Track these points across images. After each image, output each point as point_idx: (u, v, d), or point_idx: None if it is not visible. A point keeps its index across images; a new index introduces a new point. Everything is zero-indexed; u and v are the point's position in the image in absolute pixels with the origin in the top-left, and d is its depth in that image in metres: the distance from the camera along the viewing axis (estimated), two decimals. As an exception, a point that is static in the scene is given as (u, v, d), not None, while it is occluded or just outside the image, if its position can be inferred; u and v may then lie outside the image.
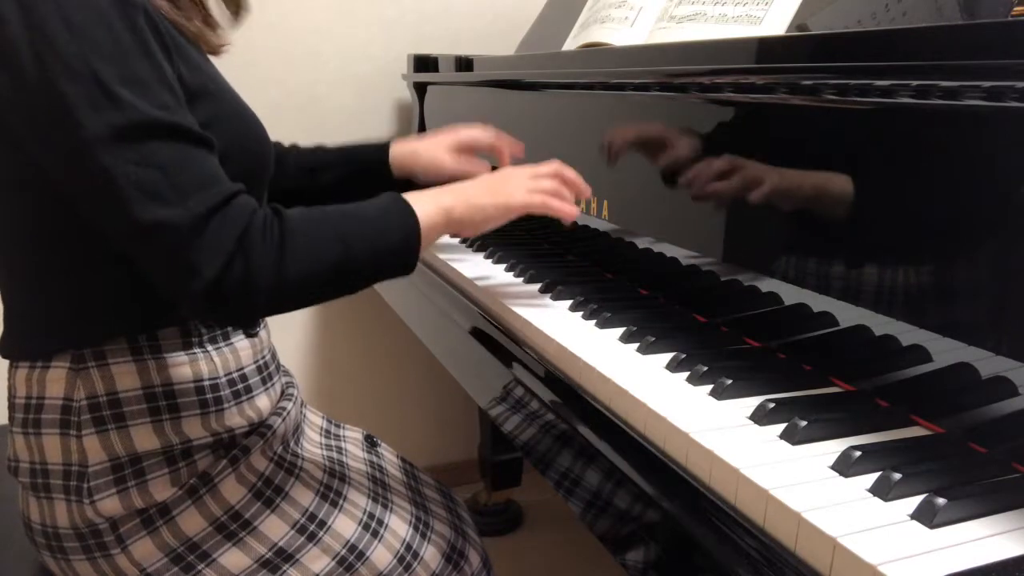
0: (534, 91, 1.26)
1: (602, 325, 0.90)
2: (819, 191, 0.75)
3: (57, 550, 0.78)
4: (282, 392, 0.91)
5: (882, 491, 0.55)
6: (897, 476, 0.55)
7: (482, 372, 1.01)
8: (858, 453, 0.58)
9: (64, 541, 0.77)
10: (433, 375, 1.99)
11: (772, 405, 0.66)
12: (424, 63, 1.71)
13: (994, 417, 0.61)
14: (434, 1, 1.85)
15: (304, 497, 0.85)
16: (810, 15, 0.93)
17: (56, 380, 0.76)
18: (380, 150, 1.12)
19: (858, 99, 0.68)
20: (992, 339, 0.59)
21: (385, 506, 0.91)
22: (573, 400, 0.79)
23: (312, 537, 0.84)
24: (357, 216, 0.77)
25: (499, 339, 0.96)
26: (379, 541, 0.87)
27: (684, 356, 0.77)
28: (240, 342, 0.84)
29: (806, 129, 0.76)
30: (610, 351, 0.82)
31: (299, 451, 0.88)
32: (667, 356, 0.79)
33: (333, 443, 0.96)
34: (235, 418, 0.82)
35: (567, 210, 0.90)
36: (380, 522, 0.89)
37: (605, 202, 1.07)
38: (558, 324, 0.90)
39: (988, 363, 0.61)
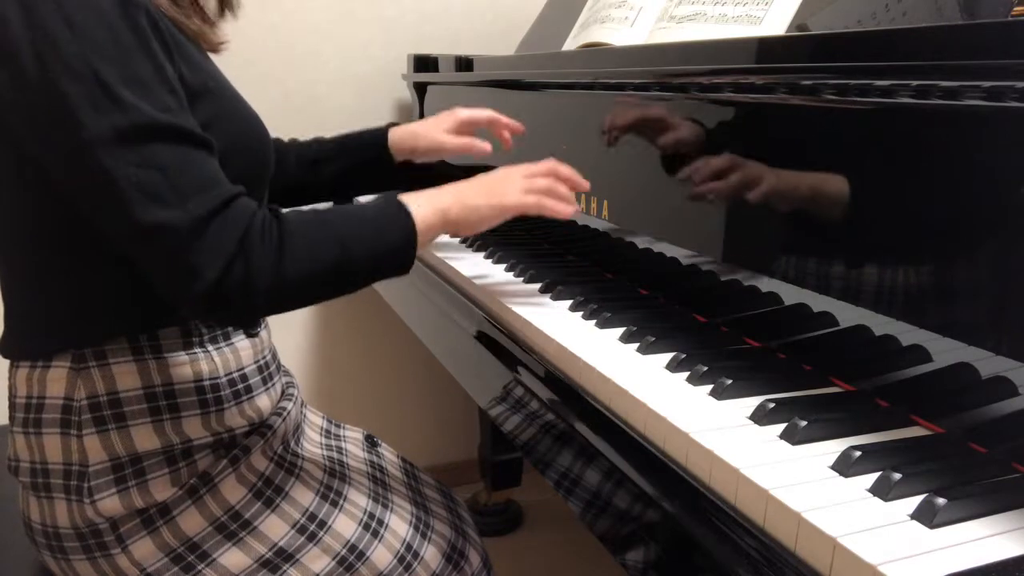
0: (534, 91, 1.26)
1: (602, 325, 0.89)
2: (819, 191, 0.75)
3: (57, 550, 0.78)
4: (282, 392, 0.91)
5: (882, 491, 0.55)
6: (897, 476, 0.55)
7: (482, 372, 1.01)
8: (858, 453, 0.58)
9: (64, 541, 0.77)
10: (433, 375, 1.99)
11: (772, 405, 0.66)
12: (424, 63, 1.72)
13: (994, 417, 0.61)
14: (434, 1, 1.85)
15: (304, 497, 0.85)
16: (810, 15, 0.93)
17: (57, 380, 0.76)
18: (379, 135, 1.13)
19: (858, 99, 0.68)
20: (992, 339, 0.59)
21: (385, 506, 0.91)
22: (573, 400, 0.79)
23: (312, 537, 0.84)
24: (355, 217, 0.78)
25: (499, 339, 0.96)
26: (379, 541, 0.87)
27: (684, 356, 0.77)
28: (241, 342, 0.84)
29: (806, 129, 0.76)
30: (610, 351, 0.82)
31: (299, 451, 0.88)
32: (667, 356, 0.79)
33: (333, 443, 0.96)
34: (235, 418, 0.82)
35: (562, 210, 0.90)
36: (380, 522, 0.89)
37: (605, 202, 1.07)
38: (558, 324, 0.90)
39: (988, 363, 0.61)
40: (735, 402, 0.70)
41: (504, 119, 1.13)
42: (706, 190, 0.87)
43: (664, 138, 0.96)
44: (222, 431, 0.81)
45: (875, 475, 0.57)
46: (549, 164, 0.94)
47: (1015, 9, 0.70)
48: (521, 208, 0.88)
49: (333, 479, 0.89)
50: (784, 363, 0.80)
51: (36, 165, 0.69)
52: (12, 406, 0.79)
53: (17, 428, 0.78)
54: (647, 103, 0.98)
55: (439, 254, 1.24)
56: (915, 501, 0.54)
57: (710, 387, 0.72)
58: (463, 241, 1.33)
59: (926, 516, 0.52)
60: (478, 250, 1.27)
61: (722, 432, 0.64)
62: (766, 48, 0.79)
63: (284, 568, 0.82)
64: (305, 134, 1.79)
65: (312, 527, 0.84)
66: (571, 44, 1.35)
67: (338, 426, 1.01)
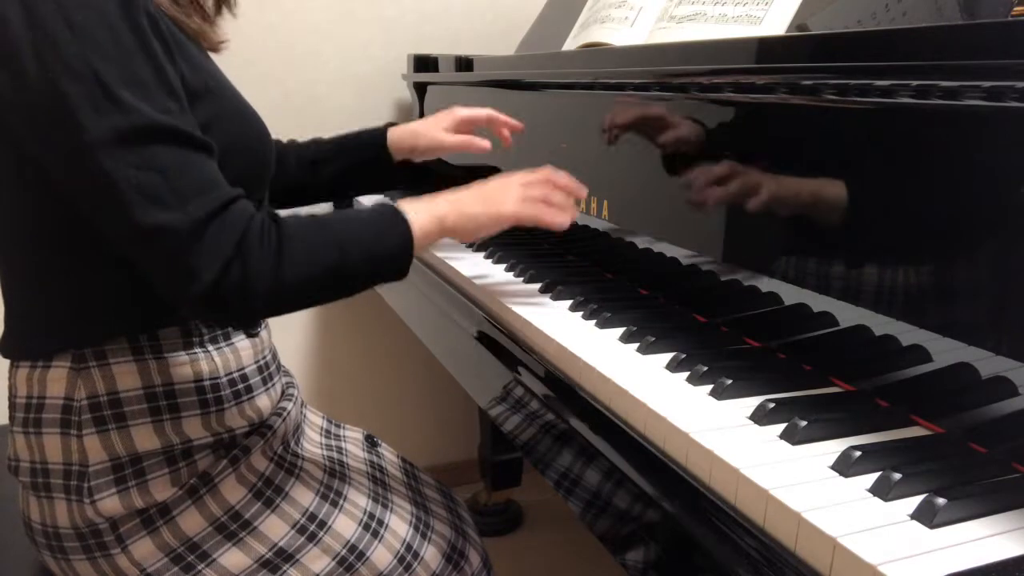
0: (534, 91, 1.26)
1: (602, 325, 0.89)
2: (819, 191, 0.75)
3: (57, 550, 0.78)
4: (282, 392, 0.91)
5: (882, 491, 0.55)
6: (897, 476, 0.55)
7: (482, 372, 1.01)
8: (858, 453, 0.58)
9: (64, 541, 0.77)
10: (433, 375, 1.99)
11: (772, 405, 0.66)
12: (424, 63, 1.72)
13: (994, 417, 0.61)
14: (434, 1, 1.85)
15: (304, 497, 0.85)
16: (810, 15, 0.93)
17: (57, 380, 0.76)
18: (378, 135, 1.13)
19: (858, 99, 0.68)
20: (992, 339, 0.59)
21: (385, 506, 0.91)
22: (573, 400, 0.79)
23: (312, 537, 0.84)
24: (353, 223, 0.78)
25: (499, 339, 0.96)
26: (379, 541, 0.87)
27: (684, 356, 0.77)
28: (241, 342, 0.84)
29: (806, 129, 0.76)
30: (610, 351, 0.82)
31: (299, 451, 0.88)
32: (667, 356, 0.79)
33: (333, 443, 0.96)
34: (235, 418, 0.82)
35: (558, 221, 0.91)
36: (380, 522, 0.89)
37: (605, 202, 1.07)
38: (558, 324, 0.90)
39: (988, 363, 0.61)
40: (735, 402, 0.70)
41: (503, 117, 1.13)
42: (706, 194, 0.87)
43: (664, 138, 0.96)
44: (222, 431, 0.81)
45: (875, 475, 0.57)
46: (546, 172, 0.94)
47: (1015, 9, 0.70)
48: (517, 218, 0.89)
49: (333, 479, 0.89)
50: (784, 363, 0.80)
51: (36, 165, 0.69)
52: (12, 406, 0.79)
53: (17, 428, 0.78)
54: (647, 103, 0.98)
55: (439, 254, 1.24)
56: (915, 501, 0.54)
57: (710, 387, 0.72)
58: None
59: (926, 516, 0.52)
60: (478, 250, 1.27)
61: (722, 432, 0.64)
62: (766, 48, 0.79)
63: (284, 568, 0.82)
64: (305, 134, 1.79)
65: (312, 527, 0.84)
66: (571, 44, 1.35)
67: (338, 426, 1.01)
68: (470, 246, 1.30)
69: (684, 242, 0.94)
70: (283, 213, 0.81)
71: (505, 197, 0.89)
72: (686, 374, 0.75)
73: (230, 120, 0.78)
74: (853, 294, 0.70)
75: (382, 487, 0.94)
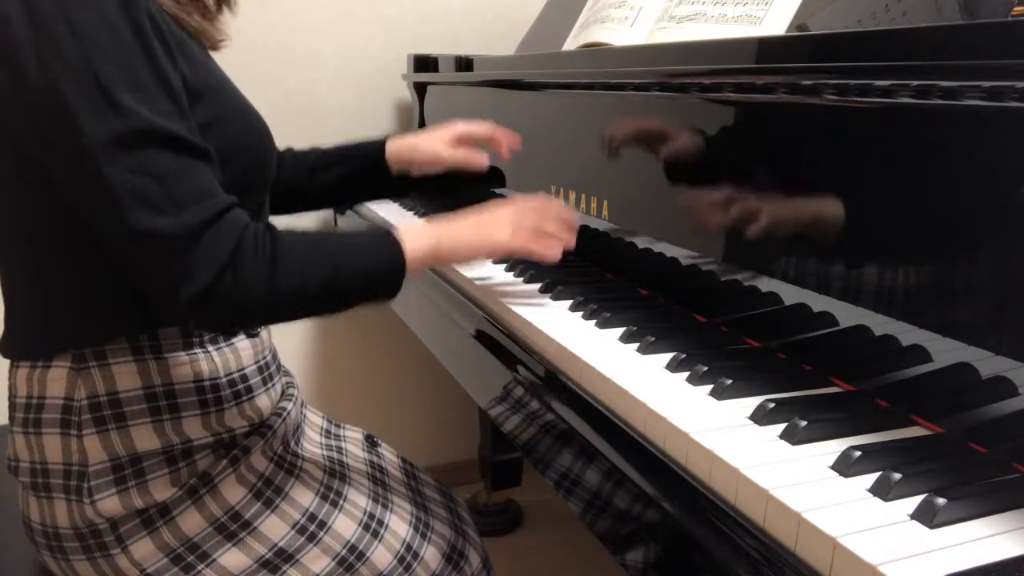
0: (534, 91, 1.26)
1: (602, 325, 0.89)
2: (819, 191, 0.75)
3: (57, 550, 0.78)
4: (282, 392, 0.91)
5: (882, 491, 0.55)
6: (897, 476, 0.55)
7: (482, 372, 1.01)
8: (858, 453, 0.58)
9: (64, 541, 0.77)
10: (433, 375, 1.99)
11: (772, 405, 0.66)
12: (424, 63, 1.71)
13: (994, 417, 0.61)
14: (434, 1, 1.85)
15: (304, 497, 0.85)
16: (810, 15, 0.93)
17: (57, 380, 0.76)
18: (377, 146, 1.13)
19: (858, 99, 0.68)
20: (992, 339, 0.59)
21: (385, 506, 0.91)
22: (573, 400, 0.79)
23: (312, 537, 0.84)
24: (347, 242, 0.80)
25: (499, 339, 0.96)
26: (379, 541, 0.87)
27: (684, 356, 0.77)
28: (241, 342, 0.84)
29: (806, 129, 0.76)
30: (610, 351, 0.82)
31: (299, 451, 0.88)
32: (667, 356, 0.79)
33: (333, 443, 0.96)
34: (235, 418, 0.82)
35: (548, 255, 0.92)
36: (380, 522, 0.89)
37: (605, 202, 1.07)
38: (558, 324, 0.90)
39: (988, 363, 0.61)
40: (735, 402, 0.70)
41: (502, 134, 1.13)
42: (707, 202, 0.87)
43: (663, 138, 0.96)
44: (222, 431, 0.81)
45: (875, 475, 0.57)
46: (540, 201, 0.95)
47: (1015, 9, 0.70)
48: (509, 249, 0.90)
49: (333, 479, 0.89)
50: (784, 363, 0.80)
51: (36, 165, 0.69)
52: (12, 406, 0.79)
53: (17, 428, 0.78)
54: (647, 103, 0.98)
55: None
56: (915, 501, 0.54)
57: (710, 387, 0.72)
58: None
59: (926, 516, 0.52)
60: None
61: (722, 432, 0.64)
62: (766, 48, 0.79)
63: (284, 568, 0.82)
64: (305, 134, 1.79)
65: (312, 527, 0.84)
66: (571, 44, 1.35)
67: (338, 426, 1.01)
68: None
69: (684, 242, 0.94)
70: (279, 221, 0.82)
71: (498, 227, 0.90)
72: (686, 374, 0.75)
73: (231, 119, 0.78)
74: (853, 294, 0.70)
75: (382, 487, 0.94)
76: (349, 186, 1.14)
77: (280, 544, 0.82)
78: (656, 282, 1.01)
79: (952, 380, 0.64)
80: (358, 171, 1.13)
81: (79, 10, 0.64)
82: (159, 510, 0.77)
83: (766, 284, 0.82)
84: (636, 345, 0.83)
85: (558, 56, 1.30)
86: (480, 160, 1.12)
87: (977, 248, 0.61)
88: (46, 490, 0.77)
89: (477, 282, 1.07)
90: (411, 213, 1.56)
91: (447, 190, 1.65)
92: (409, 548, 0.89)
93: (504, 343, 0.95)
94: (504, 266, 1.16)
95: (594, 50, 1.22)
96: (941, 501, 0.52)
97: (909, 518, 0.53)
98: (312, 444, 0.92)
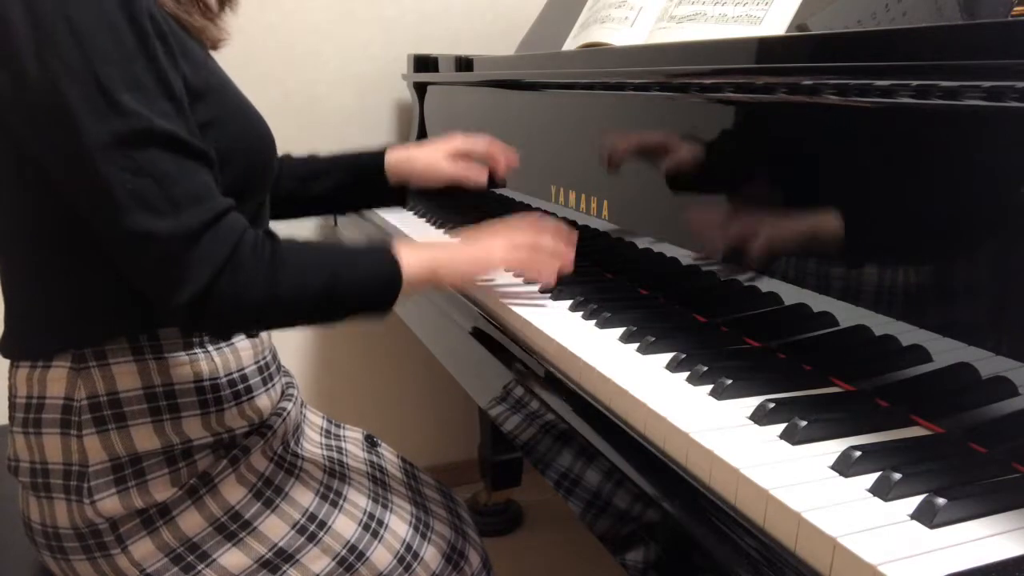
0: (534, 91, 1.26)
1: (602, 325, 0.89)
2: (819, 191, 0.75)
3: (57, 550, 0.78)
4: (282, 392, 0.91)
5: (882, 491, 0.55)
6: (897, 476, 0.55)
7: (482, 372, 1.01)
8: (858, 453, 0.58)
9: (64, 541, 0.77)
10: (433, 375, 1.99)
11: (772, 405, 0.66)
12: (424, 63, 1.71)
13: (994, 417, 0.61)
14: (434, 1, 1.85)
15: (304, 497, 0.85)
16: (810, 15, 0.93)
17: (57, 380, 0.76)
18: (376, 156, 1.12)
19: (858, 99, 0.68)
20: (992, 339, 0.59)
21: (385, 506, 0.91)
22: (573, 400, 0.79)
23: (312, 537, 0.84)
24: (346, 254, 0.80)
25: (499, 339, 0.96)
26: (379, 541, 0.87)
27: (684, 356, 0.77)
28: (241, 342, 0.84)
29: (806, 129, 0.76)
30: (610, 351, 0.82)
31: (299, 451, 0.88)
32: (667, 356, 0.79)
33: (333, 443, 0.96)
34: (235, 418, 0.82)
35: (544, 275, 0.94)
36: (380, 522, 0.89)
37: (605, 202, 1.07)
38: (558, 324, 0.90)
39: (988, 363, 0.61)
40: (735, 402, 0.70)
41: (501, 152, 1.13)
42: (707, 202, 0.87)
43: (663, 139, 0.96)
44: (222, 431, 0.81)
45: (875, 475, 0.57)
46: (535, 220, 0.95)
47: (1015, 9, 0.70)
48: (506, 268, 0.93)
49: (333, 479, 0.89)
50: (784, 363, 0.80)
51: (36, 165, 0.69)
52: (12, 406, 0.79)
53: (17, 428, 0.78)
54: (647, 103, 0.98)
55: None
56: (915, 501, 0.54)
57: (710, 387, 0.72)
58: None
59: (926, 516, 0.52)
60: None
61: (722, 432, 0.64)
62: (766, 48, 0.79)
63: (284, 568, 0.82)
64: (305, 134, 1.79)
65: (312, 527, 0.84)
66: (571, 44, 1.35)
67: (338, 426, 1.01)
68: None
69: (684, 242, 0.94)
70: (280, 227, 0.82)
71: (494, 247, 0.91)
72: (686, 374, 0.75)
73: (232, 119, 0.78)
74: (853, 294, 0.70)
75: (382, 487, 0.94)
76: (346, 194, 1.14)
77: (280, 544, 0.82)
78: (656, 282, 1.01)
79: (952, 380, 0.64)
80: (356, 180, 1.13)
81: (79, 10, 0.64)
82: (159, 510, 0.77)
83: (766, 284, 0.82)
84: (636, 345, 0.83)
85: (558, 56, 1.31)
86: (479, 176, 1.14)
87: (977, 248, 0.61)
88: (46, 490, 0.77)
89: (477, 282, 1.07)
90: (424, 220, 1.53)
91: (447, 191, 1.65)
92: (409, 548, 0.89)
93: (504, 343, 0.95)
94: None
95: (594, 50, 1.22)
96: (941, 501, 0.52)
97: (909, 518, 0.53)
98: (312, 444, 0.92)
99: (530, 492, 1.96)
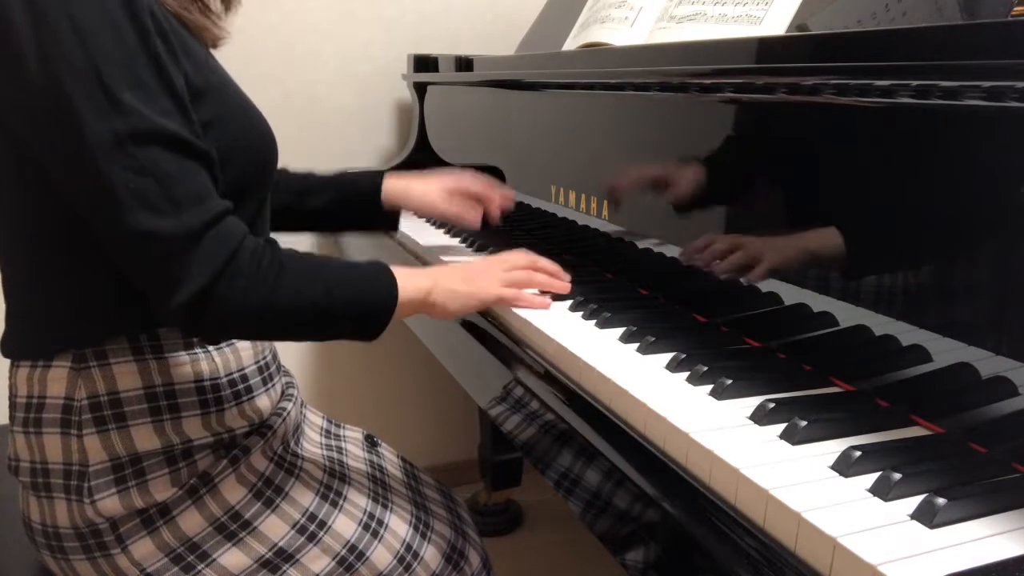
0: (534, 91, 1.26)
1: (602, 325, 0.89)
2: (819, 191, 0.75)
3: (57, 550, 0.78)
4: (282, 392, 0.91)
5: (882, 491, 0.55)
6: (897, 476, 0.55)
7: (482, 372, 1.01)
8: (858, 453, 0.58)
9: (64, 541, 0.77)
10: (433, 375, 1.99)
11: (772, 405, 0.66)
12: (424, 63, 1.72)
13: (994, 417, 0.61)
14: (434, 1, 1.85)
15: (304, 497, 0.85)
16: (810, 15, 0.93)
17: (57, 379, 0.76)
18: (374, 181, 1.13)
19: (858, 99, 0.68)
20: (992, 339, 0.59)
21: (385, 506, 0.91)
22: (573, 400, 0.79)
23: (312, 537, 0.84)
24: (344, 271, 0.80)
25: (499, 339, 0.96)
26: (379, 541, 0.87)
27: (684, 356, 0.77)
28: (241, 342, 0.84)
29: (806, 129, 0.76)
30: (610, 351, 0.82)
31: (299, 451, 0.88)
32: (667, 356, 0.79)
33: (333, 443, 0.96)
34: (236, 418, 0.82)
35: (538, 304, 0.94)
36: (380, 522, 0.89)
37: (605, 202, 1.07)
38: (558, 324, 0.90)
39: (988, 363, 0.61)
40: (735, 402, 0.70)
41: (497, 194, 1.14)
42: (707, 202, 0.87)
43: (663, 139, 0.96)
44: (222, 431, 0.81)
45: (875, 475, 0.57)
46: (531, 257, 0.97)
47: (1015, 9, 0.70)
48: (499, 301, 0.93)
49: (333, 479, 0.89)
50: (784, 363, 0.80)
51: (36, 165, 0.69)
52: (12, 406, 0.79)
53: (17, 428, 0.78)
54: (647, 103, 0.98)
55: (442, 256, 1.24)
56: (915, 501, 0.54)
57: (710, 387, 0.72)
58: (463, 241, 1.33)
59: (926, 516, 0.52)
60: (478, 251, 1.27)
61: (722, 432, 0.64)
62: (766, 48, 0.79)
63: (284, 568, 0.82)
64: (305, 134, 1.79)
65: (312, 527, 0.84)
66: (571, 44, 1.35)
67: (338, 426, 1.01)
68: (470, 246, 1.30)
69: (684, 242, 0.94)
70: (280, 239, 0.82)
71: (489, 279, 0.92)
72: (686, 374, 0.75)
73: (233, 117, 0.78)
74: (853, 294, 0.70)
75: (382, 487, 0.94)
76: (340, 213, 1.13)
77: (280, 544, 0.82)
78: (656, 282, 1.01)
79: (952, 380, 0.64)
80: (352, 201, 1.13)
81: (81, 8, 0.64)
82: (159, 510, 0.77)
83: (766, 284, 0.82)
84: (636, 345, 0.83)
85: (558, 56, 1.31)
86: (473, 217, 1.15)
87: (977, 248, 0.61)
88: (46, 490, 0.77)
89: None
90: (424, 220, 1.49)
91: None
92: (409, 548, 0.89)
93: (504, 343, 0.95)
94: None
95: (594, 50, 1.22)
96: (941, 501, 0.52)
97: (909, 518, 0.53)
98: (312, 444, 0.92)
99: (530, 492, 1.96)
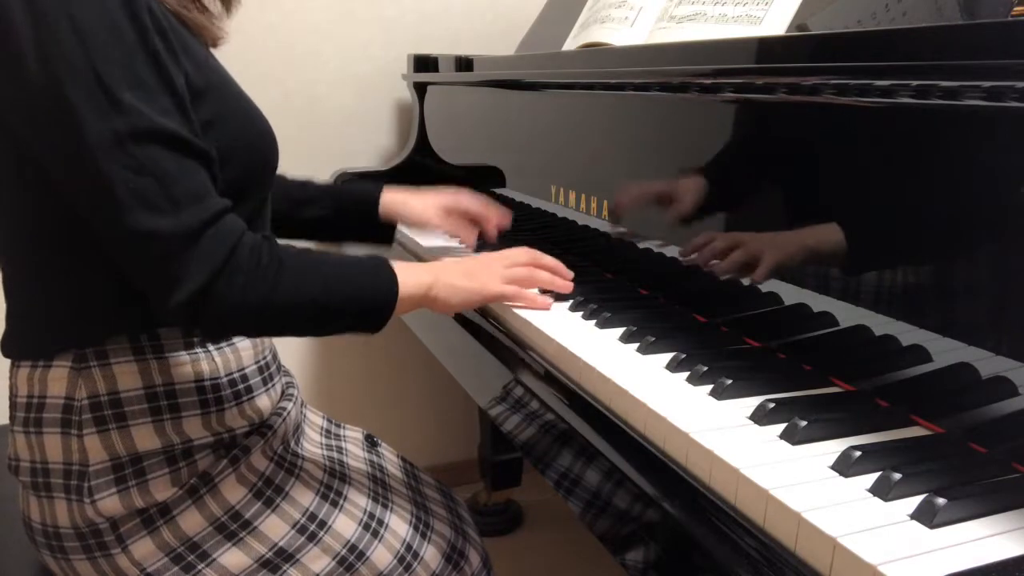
0: (534, 91, 1.26)
1: (602, 325, 0.90)
2: (819, 191, 0.75)
3: (57, 549, 0.78)
4: (282, 392, 0.91)
5: (882, 491, 0.55)
6: (897, 476, 0.55)
7: (482, 372, 1.01)
8: (858, 453, 0.58)
9: (64, 540, 0.77)
10: (433, 375, 1.99)
11: (772, 405, 0.66)
12: (424, 63, 1.72)
13: (994, 417, 0.61)
14: (434, 1, 1.85)
15: (304, 497, 0.85)
16: (810, 15, 0.93)
17: (58, 379, 0.76)
18: (371, 195, 1.13)
19: (858, 99, 0.68)
20: (992, 339, 0.59)
21: (385, 506, 0.91)
22: (573, 400, 0.79)
23: (312, 537, 0.84)
24: (344, 266, 0.79)
25: (499, 339, 0.96)
26: (379, 541, 0.87)
27: (684, 356, 0.77)
28: (242, 342, 0.84)
29: (806, 129, 0.76)
30: (610, 351, 0.82)
31: (299, 451, 0.88)
32: (667, 356, 0.79)
33: (333, 443, 0.96)
34: (236, 418, 0.82)
35: (539, 304, 0.94)
36: (380, 522, 0.89)
37: (605, 202, 1.07)
38: (558, 324, 0.90)
39: (988, 363, 0.61)
40: (735, 402, 0.70)
41: (494, 214, 1.14)
42: (707, 202, 0.87)
43: (663, 139, 0.96)
44: (222, 431, 0.81)
45: (875, 475, 0.57)
46: (534, 254, 0.96)
47: (1015, 9, 0.70)
48: (500, 297, 0.92)
49: (333, 479, 0.89)
50: (784, 363, 0.80)
51: (36, 165, 0.69)
52: (13, 405, 0.79)
53: (17, 427, 0.78)
54: (647, 103, 0.98)
55: (442, 256, 1.24)
56: (915, 501, 0.54)
57: (710, 387, 0.72)
58: (463, 241, 1.33)
59: (926, 516, 0.52)
60: (478, 250, 1.27)
61: (722, 432, 0.64)
62: (766, 48, 0.79)
63: (284, 568, 0.82)
64: (305, 134, 1.79)
65: (312, 527, 0.84)
66: (571, 44, 1.35)
67: (338, 426, 1.01)
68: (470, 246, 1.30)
69: (684, 242, 0.94)
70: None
71: (490, 275, 0.92)
72: (686, 374, 0.75)
73: (234, 117, 0.78)
74: (853, 294, 0.70)
75: (382, 487, 0.94)
76: (336, 225, 1.13)
77: (280, 544, 0.82)
78: (656, 282, 1.01)
79: (952, 380, 0.64)
80: (349, 214, 1.12)
81: (81, 8, 0.64)
82: (159, 510, 0.77)
83: (766, 284, 0.82)
84: (636, 345, 0.83)
85: (558, 56, 1.31)
86: (468, 236, 1.16)
87: (977, 248, 0.61)
88: (46, 489, 0.77)
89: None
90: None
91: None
92: (409, 548, 0.89)
93: (504, 343, 0.95)
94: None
95: (594, 50, 1.22)
96: (941, 501, 0.52)
97: (909, 518, 0.53)
98: (312, 444, 0.92)
99: (530, 492, 1.96)
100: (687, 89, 0.90)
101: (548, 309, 0.94)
